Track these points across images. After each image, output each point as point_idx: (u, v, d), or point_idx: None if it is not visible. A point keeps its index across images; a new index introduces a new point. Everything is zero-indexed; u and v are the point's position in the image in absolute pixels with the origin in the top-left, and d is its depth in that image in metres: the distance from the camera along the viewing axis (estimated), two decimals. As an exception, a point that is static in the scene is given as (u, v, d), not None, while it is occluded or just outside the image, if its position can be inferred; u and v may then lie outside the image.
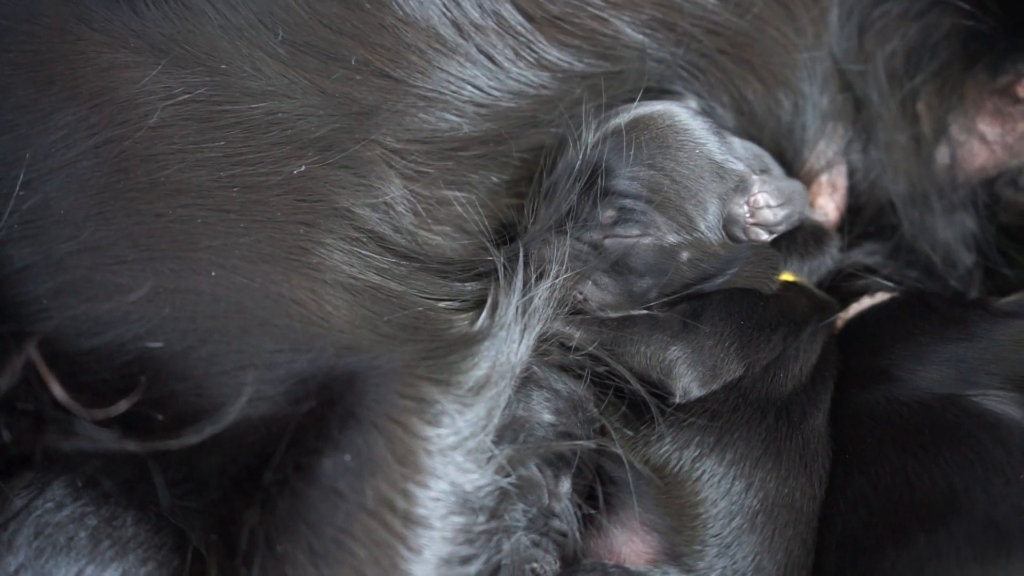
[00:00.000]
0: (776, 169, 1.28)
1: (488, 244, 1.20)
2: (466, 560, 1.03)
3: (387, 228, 1.18)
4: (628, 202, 1.17)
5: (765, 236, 1.21)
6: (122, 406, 0.99)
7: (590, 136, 1.21)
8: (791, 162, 1.35)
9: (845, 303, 1.31)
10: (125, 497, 1.10)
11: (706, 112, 1.32)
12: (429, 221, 1.22)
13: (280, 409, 1.04)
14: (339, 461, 1.00)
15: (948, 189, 1.38)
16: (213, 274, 1.07)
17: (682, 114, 1.22)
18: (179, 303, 1.05)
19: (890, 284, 1.32)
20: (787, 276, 1.27)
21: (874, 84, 1.36)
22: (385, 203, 1.18)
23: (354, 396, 1.04)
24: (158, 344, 1.04)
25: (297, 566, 0.98)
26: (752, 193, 1.19)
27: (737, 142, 1.25)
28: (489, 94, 1.24)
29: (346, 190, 1.16)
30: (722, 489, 1.10)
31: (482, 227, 1.23)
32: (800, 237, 1.29)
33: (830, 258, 1.32)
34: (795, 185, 1.24)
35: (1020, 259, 1.39)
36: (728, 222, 1.20)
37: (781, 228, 1.22)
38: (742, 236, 1.20)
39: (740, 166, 1.20)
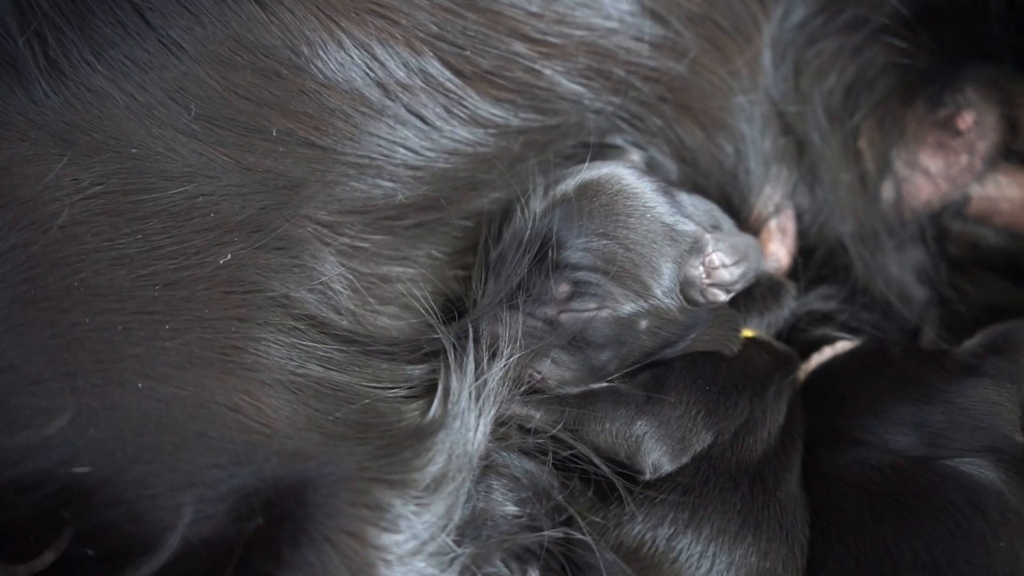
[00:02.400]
0: (727, 223, 1.23)
1: (435, 323, 1.12)
2: None
3: (327, 311, 1.10)
4: (583, 275, 1.11)
5: (723, 297, 1.16)
6: (48, 558, 0.89)
7: (537, 204, 1.15)
8: (738, 208, 1.31)
9: (806, 354, 1.27)
10: None
11: (650, 165, 1.27)
12: (371, 300, 1.14)
13: (224, 529, 0.95)
14: None
15: (896, 225, 1.35)
16: (139, 386, 0.98)
17: (629, 177, 1.17)
18: (104, 422, 0.96)
19: (847, 336, 1.28)
20: (747, 332, 1.23)
21: (814, 124, 1.32)
22: (322, 284, 1.11)
23: (303, 510, 0.96)
24: (85, 469, 0.95)
25: None
26: (707, 253, 1.15)
27: (686, 198, 1.20)
28: (423, 155, 1.17)
29: (279, 274, 1.08)
30: (702, 569, 1.05)
31: (427, 305, 1.16)
32: (757, 292, 1.24)
33: (787, 308, 1.28)
34: (748, 240, 1.20)
35: (972, 293, 1.37)
36: (685, 285, 1.15)
37: (738, 287, 1.17)
38: (700, 299, 1.15)
39: (692, 226, 1.15)
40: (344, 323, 1.11)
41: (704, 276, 1.15)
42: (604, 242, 1.11)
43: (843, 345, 1.26)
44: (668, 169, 1.29)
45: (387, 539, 0.96)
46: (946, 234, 1.37)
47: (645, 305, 1.12)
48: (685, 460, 1.10)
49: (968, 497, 1.06)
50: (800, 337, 1.30)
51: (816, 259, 1.35)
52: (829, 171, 1.33)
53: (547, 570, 1.08)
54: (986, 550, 1.01)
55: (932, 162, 1.35)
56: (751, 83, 1.31)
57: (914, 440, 1.12)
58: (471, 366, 1.07)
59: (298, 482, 0.97)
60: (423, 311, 1.15)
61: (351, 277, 1.13)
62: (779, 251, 1.32)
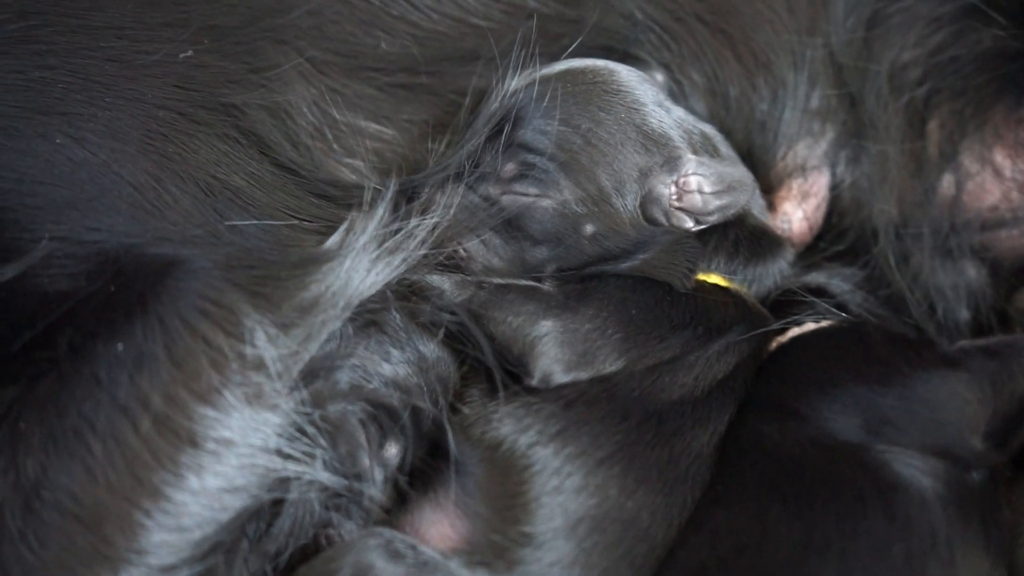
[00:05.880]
0: (726, 151, 1.11)
1: (355, 164, 1.08)
2: (233, 493, 0.91)
3: (279, 137, 1.08)
4: (532, 157, 1.04)
5: (689, 224, 1.05)
6: None
7: (515, 82, 1.08)
8: (760, 158, 1.18)
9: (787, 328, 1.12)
10: None
11: (673, 92, 1.17)
12: (337, 148, 1.11)
13: (74, 285, 0.95)
14: (111, 348, 0.91)
15: (947, 227, 1.17)
16: (58, 141, 1.00)
17: (623, 73, 1.08)
18: (11, 162, 0.98)
19: (843, 314, 1.12)
20: (715, 279, 1.10)
21: (874, 87, 1.17)
22: (285, 111, 1.09)
23: (154, 288, 0.94)
24: None
25: (29, 450, 0.88)
26: (683, 173, 1.04)
27: (681, 114, 1.09)
28: (425, 13, 1.13)
29: (239, 86, 1.07)
30: (551, 484, 0.94)
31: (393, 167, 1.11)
32: (744, 240, 1.11)
33: (777, 270, 1.13)
34: (741, 173, 1.07)
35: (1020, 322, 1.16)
36: (648, 201, 1.04)
37: (711, 219, 1.05)
38: (662, 219, 1.05)
39: (675, 141, 1.05)
40: (293, 154, 1.08)
41: (674, 196, 1.04)
42: (564, 128, 1.03)
43: (829, 325, 1.10)
44: (693, 101, 1.18)
45: (223, 341, 0.92)
46: (1004, 253, 1.17)
47: (594, 208, 1.03)
48: (582, 376, 0.99)
49: (881, 492, 0.90)
50: (788, 309, 1.14)
51: (840, 237, 1.19)
52: (880, 142, 1.17)
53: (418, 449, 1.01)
54: (870, 550, 0.85)
55: (1008, 162, 1.16)
56: (810, 23, 1.18)
57: (856, 423, 0.97)
58: (382, 213, 1.02)
59: (162, 264, 0.95)
60: (385, 170, 1.11)
61: (321, 119, 1.10)
62: (793, 213, 1.17)
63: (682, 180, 1.05)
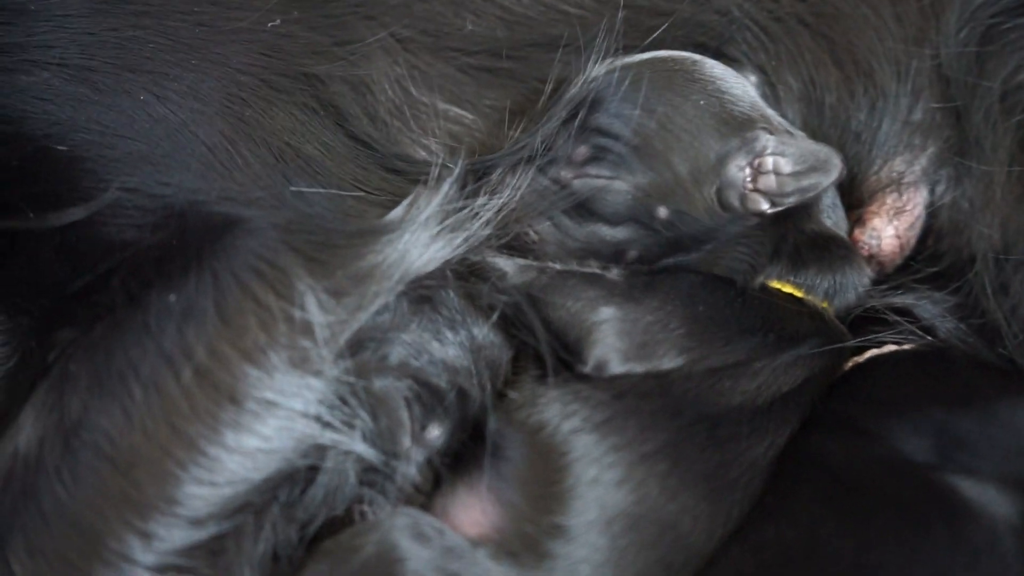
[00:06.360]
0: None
1: (431, 144, 1.07)
2: (269, 454, 0.90)
3: (357, 110, 1.08)
4: (604, 141, 1.01)
5: (765, 206, 1.00)
6: None
7: (597, 69, 1.05)
8: (852, 170, 1.11)
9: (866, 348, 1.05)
10: None
11: (765, 96, 1.12)
12: (415, 127, 1.10)
13: (138, 236, 0.96)
14: (164, 299, 0.91)
15: (1058, 261, 1.08)
16: (141, 98, 1.02)
17: (707, 64, 1.05)
18: (96, 115, 1.01)
19: (928, 338, 1.04)
20: (790, 288, 1.04)
21: (985, 105, 1.10)
22: (367, 85, 1.09)
23: (212, 245, 0.94)
24: (63, 147, 1.00)
25: (75, 390, 0.89)
26: (758, 153, 1.00)
27: (766, 107, 1.05)
28: None
29: (322, 57, 1.08)
30: (590, 474, 0.90)
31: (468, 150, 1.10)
32: (803, 244, 1.05)
33: (857, 284, 1.07)
34: (827, 153, 1.01)
35: None
36: (724, 186, 1.01)
37: (790, 200, 1.00)
38: (736, 204, 1.01)
39: (754, 124, 1.02)
40: (369, 128, 1.08)
41: (749, 179, 1.00)
42: (639, 112, 1.01)
43: (911, 348, 1.03)
44: (786, 107, 1.12)
45: (273, 301, 0.92)
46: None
47: (667, 191, 1.00)
48: (638, 369, 0.95)
49: (948, 518, 0.83)
50: (872, 329, 1.07)
51: (937, 262, 1.12)
52: (986, 163, 1.09)
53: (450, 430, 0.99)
54: (926, 572, 0.78)
55: None
56: (919, 33, 1.11)
57: (928, 445, 0.90)
58: (447, 188, 1.00)
59: (224, 222, 0.96)
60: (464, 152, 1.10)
61: (401, 96, 1.10)
62: (884, 229, 1.10)
63: (757, 161, 1.01)
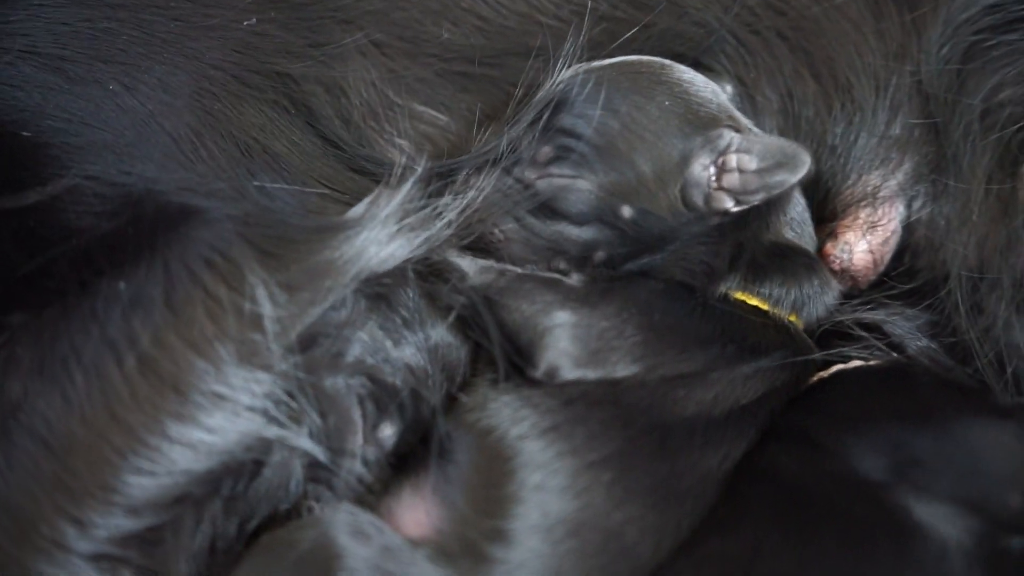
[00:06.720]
0: None
1: (403, 144, 1.06)
2: (211, 446, 0.88)
3: (330, 111, 1.08)
4: (568, 141, 1.01)
5: (729, 204, 0.99)
6: None
7: (566, 73, 1.05)
8: (826, 184, 1.10)
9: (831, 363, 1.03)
10: None
11: (742, 108, 1.11)
12: (388, 128, 1.10)
13: (92, 223, 0.96)
14: (114, 286, 0.91)
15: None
16: (111, 87, 1.03)
17: (675, 67, 1.04)
18: (64, 102, 1.01)
19: (895, 355, 1.02)
20: (755, 301, 1.02)
21: (963, 122, 1.07)
22: (341, 88, 1.08)
23: (167, 234, 0.94)
24: (27, 133, 1.00)
25: (17, 374, 0.88)
26: (723, 152, 0.98)
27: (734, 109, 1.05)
28: (495, 8, 1.11)
29: (296, 57, 1.08)
30: (534, 479, 0.88)
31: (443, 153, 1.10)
32: (761, 254, 1.03)
33: (823, 298, 1.05)
34: (794, 149, 0.99)
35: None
36: (688, 185, 0.99)
37: (755, 198, 0.99)
38: (700, 203, 0.99)
39: (719, 122, 1.01)
40: (341, 130, 1.08)
41: (714, 177, 0.99)
42: (603, 113, 0.99)
43: (877, 363, 1.01)
44: (763, 118, 1.11)
45: (224, 294, 0.91)
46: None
47: (630, 191, 0.99)
48: (589, 376, 0.93)
49: (896, 535, 0.81)
50: (839, 344, 1.05)
51: (911, 279, 1.09)
52: (963, 180, 1.07)
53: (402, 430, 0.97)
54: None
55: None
56: (900, 49, 1.10)
57: (883, 463, 0.87)
58: (409, 186, 0.99)
59: (181, 211, 0.96)
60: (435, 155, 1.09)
61: (375, 99, 1.10)
62: (855, 244, 1.08)
63: (722, 159, 0.99)
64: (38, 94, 1.01)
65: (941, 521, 0.82)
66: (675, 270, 1.01)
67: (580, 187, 1.00)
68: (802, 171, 0.98)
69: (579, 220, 1.01)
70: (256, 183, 1.01)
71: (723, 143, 0.99)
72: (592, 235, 1.01)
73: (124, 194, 0.97)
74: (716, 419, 0.94)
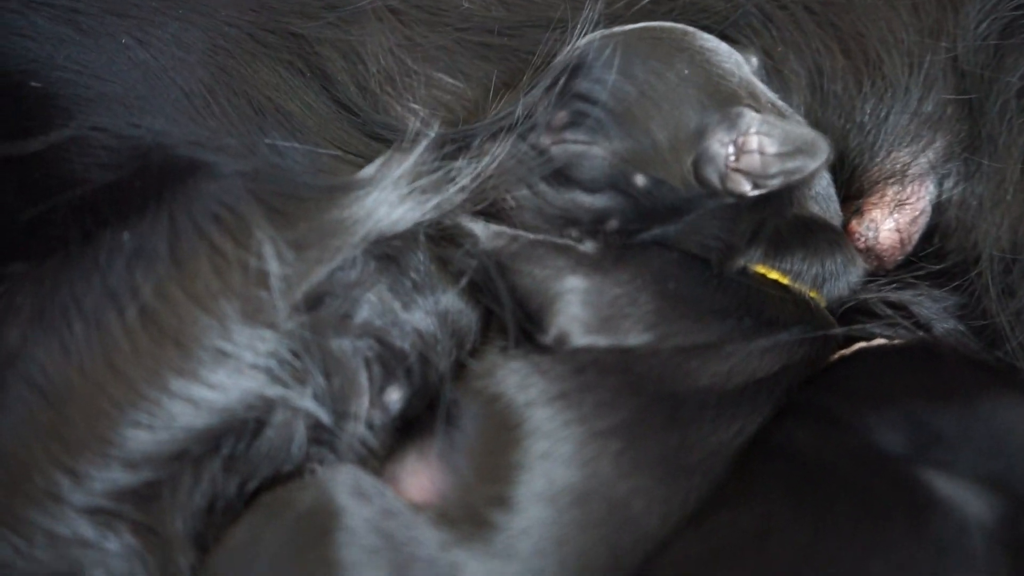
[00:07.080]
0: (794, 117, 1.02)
1: (418, 110, 1.04)
2: (211, 403, 0.86)
3: (345, 77, 1.06)
4: (584, 106, 0.98)
5: (747, 187, 0.95)
6: None
7: (584, 39, 1.02)
8: (854, 160, 1.06)
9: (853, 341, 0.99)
10: None
11: (768, 81, 1.08)
12: (405, 94, 1.08)
13: (103, 173, 0.95)
14: (117, 237, 0.89)
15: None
16: (123, 41, 1.02)
17: (700, 36, 1.01)
18: (75, 54, 1.00)
19: (921, 334, 0.98)
20: (775, 275, 0.99)
21: (999, 100, 1.04)
22: (357, 53, 1.07)
23: (174, 186, 0.92)
24: (37, 84, 0.99)
25: (17, 322, 0.87)
26: (744, 132, 0.95)
27: (758, 83, 1.01)
28: None
29: (311, 21, 1.06)
30: (540, 447, 0.85)
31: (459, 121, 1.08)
32: (784, 228, 1.00)
33: (848, 274, 1.01)
34: (813, 136, 0.95)
35: None
36: (703, 160, 0.96)
37: (773, 183, 0.95)
38: (715, 181, 0.96)
39: (739, 99, 0.97)
40: (355, 95, 1.06)
41: (732, 157, 0.95)
42: (619, 78, 0.97)
43: (901, 342, 0.97)
44: (791, 95, 1.08)
45: (230, 248, 0.89)
46: None
47: (644, 159, 0.96)
48: (600, 343, 0.91)
49: (913, 511, 0.77)
50: (862, 321, 1.02)
51: (941, 260, 1.06)
52: (998, 160, 1.03)
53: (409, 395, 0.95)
54: (890, 568, 0.73)
55: None
56: (935, 25, 1.06)
57: (903, 438, 0.84)
58: (421, 149, 0.97)
59: (190, 165, 0.94)
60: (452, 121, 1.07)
61: (392, 65, 1.08)
62: (881, 222, 1.04)
63: (742, 139, 0.96)
64: (50, 45, 1.00)
65: (962, 498, 0.79)
66: (690, 243, 0.98)
67: (594, 153, 0.97)
68: (822, 158, 0.94)
69: (592, 187, 0.98)
70: (268, 140, 0.99)
71: (743, 123, 0.95)
72: (605, 203, 0.98)
73: (132, 146, 0.96)
74: (730, 392, 0.91)
